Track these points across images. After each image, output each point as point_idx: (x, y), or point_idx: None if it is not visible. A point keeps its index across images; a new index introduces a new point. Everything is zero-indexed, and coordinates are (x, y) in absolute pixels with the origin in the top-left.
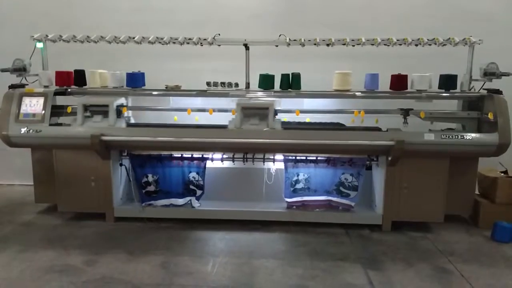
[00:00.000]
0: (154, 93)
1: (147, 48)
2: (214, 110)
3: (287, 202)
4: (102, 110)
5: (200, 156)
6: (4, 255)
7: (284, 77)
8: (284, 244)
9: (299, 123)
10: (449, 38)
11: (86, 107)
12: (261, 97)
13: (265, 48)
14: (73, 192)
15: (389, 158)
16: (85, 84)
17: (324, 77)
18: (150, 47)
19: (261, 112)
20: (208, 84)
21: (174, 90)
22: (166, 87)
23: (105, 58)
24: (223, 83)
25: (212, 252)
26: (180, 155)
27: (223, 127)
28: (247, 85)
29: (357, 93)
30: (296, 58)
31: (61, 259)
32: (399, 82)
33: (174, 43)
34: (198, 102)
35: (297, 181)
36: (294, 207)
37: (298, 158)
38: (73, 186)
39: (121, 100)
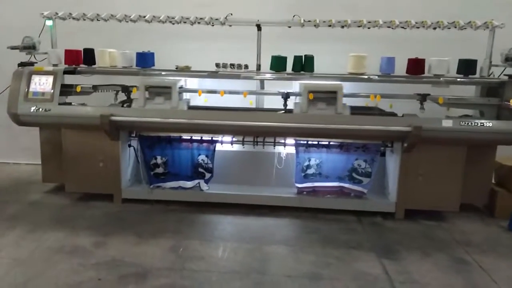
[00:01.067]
0: (164, 73)
1: (156, 28)
2: (225, 92)
3: (297, 187)
4: (162, 92)
5: (210, 138)
6: (13, 234)
7: (297, 59)
8: (295, 230)
9: None
10: (470, 22)
11: (147, 88)
12: (272, 79)
13: (276, 29)
14: (81, 173)
15: (405, 145)
16: (94, 63)
17: (336, 59)
18: (159, 27)
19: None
20: (217, 65)
21: (184, 71)
22: (176, 68)
23: (114, 38)
24: (232, 65)
25: (222, 236)
26: (189, 137)
27: (238, 109)
28: (258, 67)
29: (372, 77)
30: (308, 40)
31: (70, 240)
32: (416, 66)
33: (185, 22)
34: (207, 83)
35: (308, 166)
36: (305, 192)
37: (309, 142)
38: (81, 167)
39: (181, 82)
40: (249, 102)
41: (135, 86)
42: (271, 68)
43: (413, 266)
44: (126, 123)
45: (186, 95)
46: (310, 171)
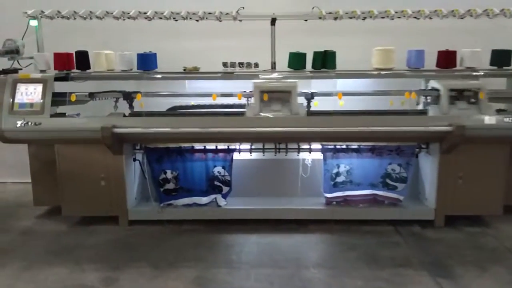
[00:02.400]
0: (171, 76)
1: (156, 26)
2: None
3: (326, 197)
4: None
5: (226, 147)
6: (5, 273)
7: (317, 55)
8: (330, 248)
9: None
10: (503, 9)
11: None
12: (290, 77)
13: (288, 23)
14: (79, 193)
15: (444, 146)
16: (89, 68)
17: (357, 54)
18: (159, 25)
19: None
20: (224, 64)
21: (192, 73)
22: (184, 69)
23: (109, 38)
24: (241, 64)
25: (251, 261)
26: (203, 147)
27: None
28: (273, 65)
29: (403, 72)
30: (324, 34)
31: (74, 277)
32: (447, 59)
33: (191, 18)
34: (216, 85)
35: (337, 174)
36: (334, 203)
37: (338, 147)
38: (79, 186)
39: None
40: None
41: (139, 92)
42: (289, 66)
43: (473, 285)
44: (131, 135)
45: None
46: (340, 179)
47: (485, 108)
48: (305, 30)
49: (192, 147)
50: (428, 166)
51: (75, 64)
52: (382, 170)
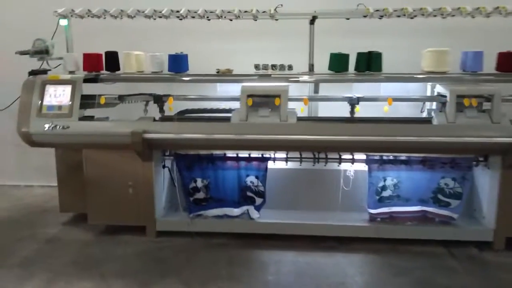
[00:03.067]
0: (205, 78)
1: (183, 26)
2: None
3: (370, 213)
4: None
5: (260, 155)
6: (32, 284)
7: (362, 56)
8: (378, 271)
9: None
10: None
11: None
12: (331, 80)
13: (327, 22)
14: (106, 201)
15: (508, 159)
16: (118, 69)
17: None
18: (187, 25)
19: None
20: (256, 67)
21: (226, 75)
22: (217, 72)
23: (137, 39)
24: (274, 66)
25: (292, 283)
26: (235, 155)
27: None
28: (311, 67)
29: (460, 76)
30: (365, 35)
31: None
32: (510, 62)
33: (225, 17)
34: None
35: (384, 188)
36: (379, 219)
37: (384, 158)
38: (107, 193)
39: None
40: (300, 110)
41: (170, 96)
42: (330, 68)
43: None
44: (163, 141)
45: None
46: (386, 193)
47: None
48: (343, 30)
49: (224, 154)
50: (486, 181)
51: (104, 65)
52: (434, 184)
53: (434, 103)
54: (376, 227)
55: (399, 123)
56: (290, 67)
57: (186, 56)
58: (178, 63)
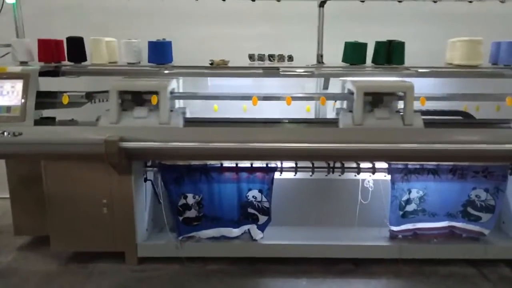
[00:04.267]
0: (195, 71)
1: (163, 7)
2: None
3: (392, 231)
4: (143, 99)
5: (264, 165)
6: None
7: (381, 46)
8: None
9: None
10: None
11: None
12: (348, 74)
13: (335, 6)
14: (73, 223)
15: None
16: (85, 59)
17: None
18: (168, 5)
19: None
20: (250, 57)
21: (222, 68)
22: (211, 63)
23: (106, 22)
24: (271, 56)
25: None
26: (234, 165)
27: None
28: (320, 58)
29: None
30: (379, 21)
31: None
32: None
33: None
34: (243, 83)
35: (408, 201)
36: (400, 236)
37: (410, 167)
38: (74, 214)
39: (173, 84)
40: (306, 108)
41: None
42: (344, 60)
43: None
44: (144, 150)
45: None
46: (410, 208)
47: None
48: (352, 15)
49: (221, 164)
50: None
51: (66, 55)
52: (464, 196)
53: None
54: (399, 247)
55: (433, 127)
56: (290, 58)
57: (169, 44)
58: (160, 52)
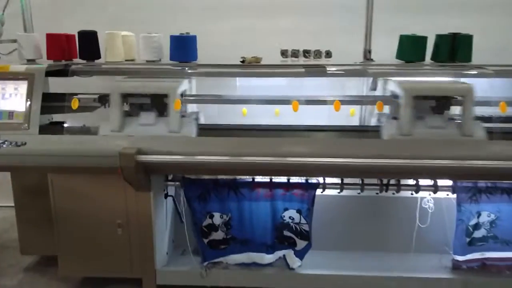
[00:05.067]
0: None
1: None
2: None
3: (455, 260)
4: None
5: (304, 181)
6: None
7: (443, 40)
8: None
9: None
10: None
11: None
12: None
13: None
14: (84, 245)
15: None
16: (99, 57)
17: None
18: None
19: None
20: (283, 53)
21: (255, 66)
22: (242, 61)
23: (121, 14)
24: (307, 52)
25: None
26: (268, 180)
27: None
28: (367, 54)
29: None
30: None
31: None
32: None
33: None
34: (272, 83)
35: (476, 226)
36: (465, 267)
37: (480, 185)
38: (85, 235)
39: (184, 85)
40: (350, 112)
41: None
42: (398, 57)
43: None
44: (166, 165)
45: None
46: (478, 234)
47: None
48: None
49: (252, 179)
50: None
51: (78, 51)
52: None
53: None
54: (464, 281)
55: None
56: (328, 54)
57: (194, 39)
58: (184, 48)
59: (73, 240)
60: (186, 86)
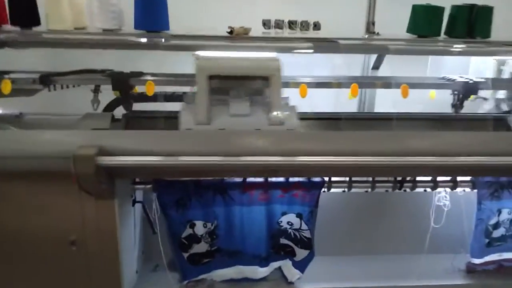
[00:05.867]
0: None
1: None
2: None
3: (471, 263)
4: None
5: (306, 180)
6: None
7: (460, 12)
8: None
9: None
10: None
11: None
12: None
13: None
14: (28, 269)
15: None
16: (38, 23)
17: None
18: None
19: None
20: (265, 24)
21: (246, 39)
22: (230, 32)
23: None
24: (292, 23)
25: None
26: (262, 180)
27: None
28: (371, 26)
29: None
30: None
31: None
32: None
33: None
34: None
35: (496, 225)
36: (480, 269)
37: (502, 180)
38: (28, 252)
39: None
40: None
41: (143, 75)
42: (410, 30)
43: None
44: (136, 168)
45: None
46: (497, 233)
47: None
48: None
49: (243, 180)
50: None
51: (8, 16)
52: None
53: None
54: (482, 285)
55: None
56: (316, 26)
57: (165, 3)
58: (154, 14)
59: (11, 261)
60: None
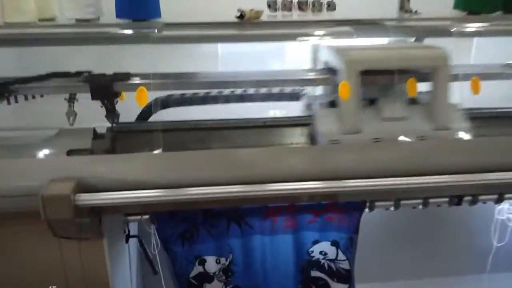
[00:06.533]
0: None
1: None
2: None
3: None
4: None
5: (345, 202)
6: None
7: None
8: None
9: None
10: None
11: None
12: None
13: None
14: None
15: None
16: None
17: None
18: None
19: None
20: (270, 5)
21: (259, 24)
22: (241, 15)
23: None
24: (301, 3)
25: None
26: (287, 204)
27: None
28: (405, 3)
29: None
30: None
31: None
32: None
33: None
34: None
35: None
36: None
37: None
38: None
39: None
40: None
41: (130, 77)
42: (459, 6)
43: None
44: (125, 205)
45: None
46: None
47: None
48: None
49: (266, 207)
50: None
51: None
52: None
53: None
54: None
55: None
56: (330, 6)
57: None
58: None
59: None
60: None
